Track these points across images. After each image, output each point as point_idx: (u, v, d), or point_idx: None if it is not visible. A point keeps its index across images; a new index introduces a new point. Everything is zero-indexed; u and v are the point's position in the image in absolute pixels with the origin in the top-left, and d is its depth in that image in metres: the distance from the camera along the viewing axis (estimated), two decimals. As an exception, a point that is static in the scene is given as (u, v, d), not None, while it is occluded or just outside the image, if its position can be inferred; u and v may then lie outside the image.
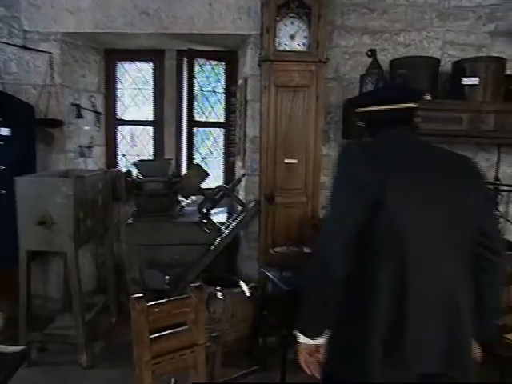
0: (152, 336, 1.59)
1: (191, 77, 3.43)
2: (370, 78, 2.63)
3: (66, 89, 3.26)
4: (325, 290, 1.31)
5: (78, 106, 3.36)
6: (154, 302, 1.61)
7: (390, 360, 1.24)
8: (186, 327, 1.70)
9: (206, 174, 3.12)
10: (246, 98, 3.19)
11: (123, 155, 3.84)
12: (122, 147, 3.84)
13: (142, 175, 3.36)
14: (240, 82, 3.38)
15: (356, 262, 1.27)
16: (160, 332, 1.62)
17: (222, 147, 3.79)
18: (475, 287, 1.34)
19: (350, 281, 1.28)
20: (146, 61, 3.70)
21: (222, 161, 3.82)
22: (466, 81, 2.71)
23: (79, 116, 3.37)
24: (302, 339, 1.39)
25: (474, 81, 2.69)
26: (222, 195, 3.11)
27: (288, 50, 2.82)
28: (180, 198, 3.47)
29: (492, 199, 1.74)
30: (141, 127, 3.82)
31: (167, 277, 3.30)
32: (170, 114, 3.74)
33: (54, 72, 3.13)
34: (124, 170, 3.51)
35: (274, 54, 2.80)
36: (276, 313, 2.79)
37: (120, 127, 3.80)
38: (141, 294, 1.59)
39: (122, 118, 3.80)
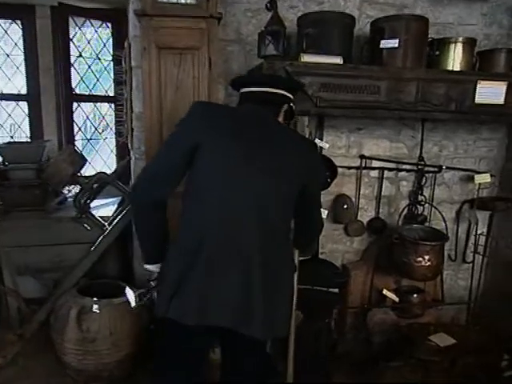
0: None
1: (67, 39, 2.78)
2: (269, 38, 2.13)
3: None
4: (136, 218, 1.56)
5: None
6: None
7: (177, 302, 1.37)
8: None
9: (81, 160, 2.52)
10: (131, 64, 2.60)
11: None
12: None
13: (8, 162, 2.72)
14: (126, 45, 2.77)
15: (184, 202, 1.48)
16: None
17: (114, 126, 3.19)
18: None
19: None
20: (12, 18, 2.99)
21: (114, 142, 3.21)
22: (384, 43, 2.28)
23: None
24: (145, 264, 1.63)
25: (393, 43, 2.27)
26: (103, 184, 2.54)
27: (171, 1, 2.25)
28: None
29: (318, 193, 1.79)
30: (13, 103, 3.12)
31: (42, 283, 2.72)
32: (48, 87, 3.07)
33: None
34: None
35: (152, 6, 2.21)
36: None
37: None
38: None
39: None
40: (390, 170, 2.81)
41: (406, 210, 2.79)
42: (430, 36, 2.36)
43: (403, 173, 2.84)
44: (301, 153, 1.56)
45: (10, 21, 3.00)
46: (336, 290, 2.38)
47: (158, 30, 2.24)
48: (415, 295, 2.71)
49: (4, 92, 3.11)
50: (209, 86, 2.34)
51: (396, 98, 2.24)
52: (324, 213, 2.67)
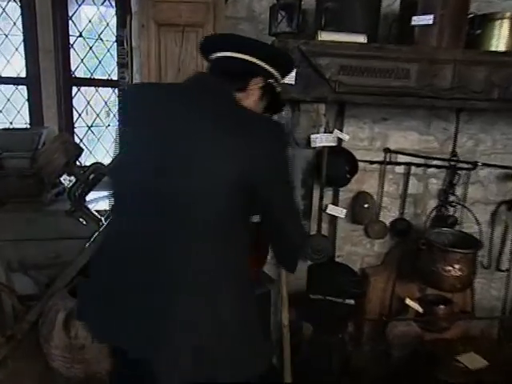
0: None
1: (65, 18, 2.57)
2: (282, 13, 1.86)
3: None
4: None
5: None
6: None
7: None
8: None
9: (76, 149, 2.32)
10: (131, 45, 2.37)
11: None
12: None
13: (1, 150, 2.55)
14: (127, 23, 2.54)
15: None
16: None
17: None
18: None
19: None
20: (9, -4, 2.80)
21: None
22: (417, 20, 1.98)
23: None
24: None
25: (427, 20, 1.96)
26: (99, 176, 2.33)
27: (172, -29, 2.00)
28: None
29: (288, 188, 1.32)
30: (12, 86, 2.94)
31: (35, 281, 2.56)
32: (49, 69, 2.87)
33: None
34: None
35: (151, -24, 1.98)
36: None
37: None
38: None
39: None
40: (417, 165, 2.50)
41: (434, 211, 2.48)
42: (470, 12, 2.03)
43: (433, 169, 2.53)
44: (250, 144, 1.12)
45: (8, -2, 2.80)
46: (352, 302, 2.11)
47: (157, 4, 2.00)
48: (442, 306, 2.42)
49: (2, 75, 2.92)
50: (214, 68, 2.07)
51: (428, 84, 1.95)
52: (342, 212, 2.43)
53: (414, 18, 1.97)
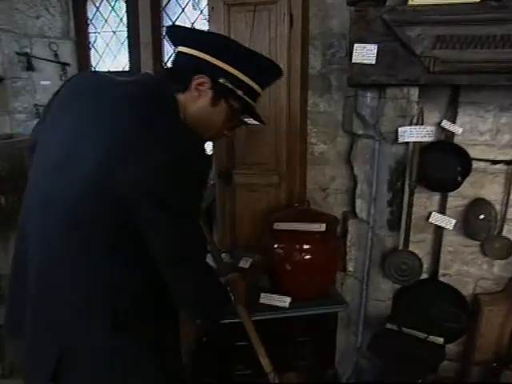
0: None
1: (157, 9, 2.57)
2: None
3: (7, 34, 2.65)
4: None
5: (27, 56, 2.74)
6: None
7: None
8: None
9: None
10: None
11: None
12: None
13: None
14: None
15: None
16: None
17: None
18: None
19: None
20: (116, -7, 2.92)
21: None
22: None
23: (30, 68, 2.76)
24: None
25: None
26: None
27: None
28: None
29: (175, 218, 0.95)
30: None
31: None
32: (148, 62, 2.94)
33: (-16, 12, 2.53)
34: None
35: (220, -49, 1.79)
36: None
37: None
38: None
39: (97, 69, 3.11)
40: (561, 167, 1.87)
41: None
42: None
43: None
44: (131, 145, 0.91)
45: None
46: (440, 341, 1.65)
47: (227, -19, 1.81)
48: None
49: (111, 70, 3.09)
50: (289, 50, 1.82)
51: None
52: (450, 222, 1.95)
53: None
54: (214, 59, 1.04)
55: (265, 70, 1.14)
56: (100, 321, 0.98)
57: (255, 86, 1.10)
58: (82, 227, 0.95)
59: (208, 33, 1.11)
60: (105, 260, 0.97)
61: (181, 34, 1.12)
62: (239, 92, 1.07)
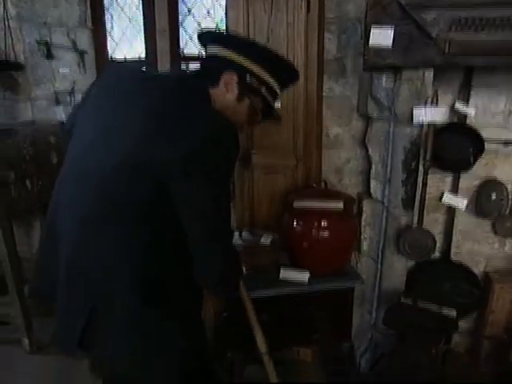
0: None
1: (174, -4, 2.61)
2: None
3: (28, 23, 2.71)
4: None
5: (46, 44, 2.81)
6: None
7: None
8: None
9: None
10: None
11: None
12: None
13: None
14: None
15: None
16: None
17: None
18: None
19: None
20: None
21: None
22: None
23: (49, 56, 2.83)
24: None
25: None
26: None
27: None
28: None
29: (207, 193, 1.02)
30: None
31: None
32: (164, 49, 2.99)
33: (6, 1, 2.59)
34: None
35: None
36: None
37: (112, 68, 3.19)
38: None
39: (114, 56, 3.17)
40: None
41: None
42: None
43: None
44: (169, 133, 0.99)
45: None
46: (453, 313, 1.71)
47: (246, -32, 1.86)
48: None
49: (127, 57, 3.15)
50: (306, 34, 1.88)
51: None
52: (462, 202, 2.01)
53: None
54: (242, 58, 1.12)
55: (287, 73, 1.22)
56: (127, 288, 1.04)
57: (276, 87, 1.19)
58: (113, 197, 1.02)
59: (237, 35, 1.21)
60: (134, 230, 1.03)
61: (212, 35, 1.21)
62: (263, 90, 1.15)
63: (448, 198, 2.00)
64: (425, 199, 1.90)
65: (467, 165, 1.96)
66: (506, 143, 2.00)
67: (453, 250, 2.12)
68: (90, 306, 1.05)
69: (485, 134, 1.93)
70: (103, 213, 1.04)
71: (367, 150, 2.13)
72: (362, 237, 2.13)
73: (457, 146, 1.94)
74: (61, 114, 2.93)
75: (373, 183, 2.09)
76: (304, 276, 1.79)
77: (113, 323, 1.06)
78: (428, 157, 1.81)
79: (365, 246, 2.12)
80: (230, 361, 1.90)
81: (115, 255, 1.04)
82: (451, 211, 2.07)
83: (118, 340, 1.07)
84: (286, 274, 1.80)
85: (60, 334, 1.15)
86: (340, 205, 1.76)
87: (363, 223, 2.10)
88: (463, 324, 2.15)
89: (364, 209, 2.11)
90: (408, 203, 1.88)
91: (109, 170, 1.01)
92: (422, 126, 1.80)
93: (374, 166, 2.07)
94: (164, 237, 1.06)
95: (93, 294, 1.06)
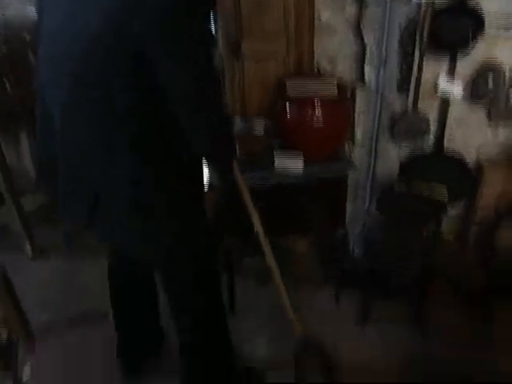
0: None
1: None
2: None
3: None
4: None
5: None
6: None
7: None
8: None
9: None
10: None
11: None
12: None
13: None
14: None
15: None
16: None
17: None
18: None
19: None
20: None
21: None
22: None
23: None
24: None
25: None
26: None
27: None
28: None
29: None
30: None
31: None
32: None
33: None
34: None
35: None
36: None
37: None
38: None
39: None
40: None
41: None
42: None
43: None
44: None
45: None
46: (444, 193, 1.73)
47: None
48: None
49: None
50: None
51: None
52: (457, 85, 1.95)
53: None
54: None
55: None
56: (126, 158, 1.03)
57: None
58: (88, 80, 0.98)
59: None
60: (120, 109, 0.99)
61: None
62: None
63: (442, 81, 1.94)
64: (420, 82, 1.84)
65: (466, 43, 1.87)
66: (507, 28, 1.90)
67: (446, 138, 2.10)
68: (91, 192, 1.07)
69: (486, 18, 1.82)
70: (82, 96, 1.00)
71: (362, 35, 2.02)
72: (356, 126, 2.09)
73: (456, 24, 1.84)
74: (33, 11, 2.73)
75: (367, 69, 2.00)
76: (298, 163, 1.77)
77: (114, 206, 1.08)
78: (425, 35, 1.72)
79: (358, 134, 2.09)
80: (228, 249, 1.94)
81: (98, 135, 1.02)
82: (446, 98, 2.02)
83: (120, 220, 1.11)
84: (281, 161, 1.78)
85: (69, 205, 1.17)
86: (334, 89, 1.70)
87: (357, 111, 2.05)
88: (453, 211, 2.20)
89: (358, 96, 2.05)
90: (403, 86, 1.82)
91: (78, 53, 0.96)
92: (420, 4, 1.69)
93: (368, 50, 1.97)
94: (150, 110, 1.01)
95: (92, 181, 1.07)
